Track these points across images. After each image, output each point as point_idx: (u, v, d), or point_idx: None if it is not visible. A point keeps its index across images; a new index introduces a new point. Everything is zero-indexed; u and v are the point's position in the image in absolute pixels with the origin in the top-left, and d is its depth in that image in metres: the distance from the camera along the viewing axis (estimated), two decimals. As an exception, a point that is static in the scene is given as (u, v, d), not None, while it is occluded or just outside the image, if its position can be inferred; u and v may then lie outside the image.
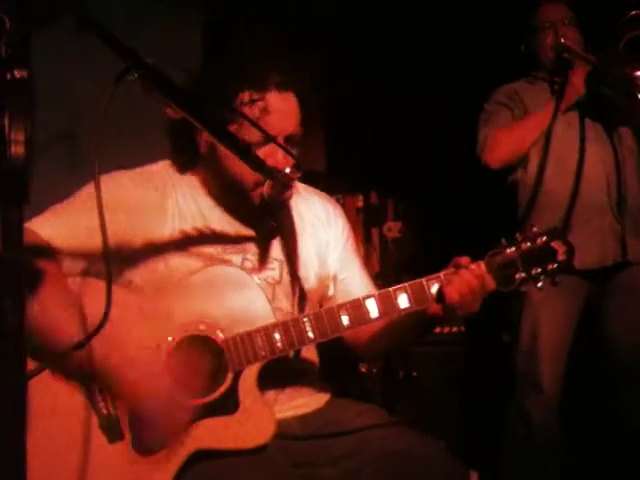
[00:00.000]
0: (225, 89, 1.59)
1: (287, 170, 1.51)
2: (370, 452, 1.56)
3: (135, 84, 1.17)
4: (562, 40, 2.62)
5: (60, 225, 1.53)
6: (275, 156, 1.57)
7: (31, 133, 0.82)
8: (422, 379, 2.90)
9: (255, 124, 1.49)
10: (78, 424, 1.43)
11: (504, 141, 2.64)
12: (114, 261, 1.58)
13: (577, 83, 2.58)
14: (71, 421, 1.43)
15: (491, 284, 1.56)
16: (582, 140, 2.58)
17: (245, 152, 1.43)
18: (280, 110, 1.60)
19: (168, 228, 1.62)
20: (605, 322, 2.63)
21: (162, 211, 1.63)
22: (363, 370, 2.84)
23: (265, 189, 1.56)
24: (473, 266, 1.57)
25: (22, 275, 0.85)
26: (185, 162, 1.70)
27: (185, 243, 1.63)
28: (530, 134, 2.62)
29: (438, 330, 3.00)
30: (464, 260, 1.58)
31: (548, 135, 2.58)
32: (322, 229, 1.82)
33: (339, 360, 1.94)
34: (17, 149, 0.81)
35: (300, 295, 1.70)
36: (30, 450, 1.32)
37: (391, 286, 1.58)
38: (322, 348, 1.81)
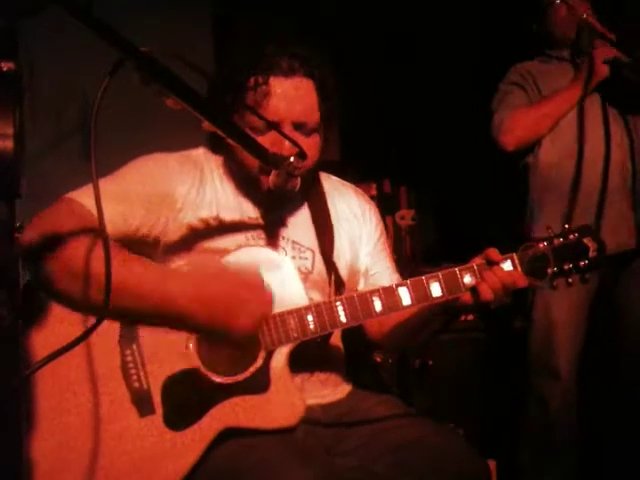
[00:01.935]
0: (234, 75, 1.59)
1: (291, 159, 1.50)
2: (388, 441, 1.57)
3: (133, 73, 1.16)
4: (584, 16, 2.54)
5: (108, 205, 1.50)
6: (280, 143, 1.55)
7: (20, 127, 0.81)
8: (438, 368, 2.87)
9: (253, 110, 1.48)
10: (110, 396, 1.44)
11: (521, 123, 2.60)
12: (152, 250, 1.59)
13: (600, 66, 2.51)
14: (103, 393, 1.44)
15: (523, 282, 1.58)
16: (606, 124, 2.53)
17: (247, 140, 1.42)
18: (284, 95, 1.58)
19: (205, 214, 1.63)
20: (621, 307, 2.60)
21: (200, 197, 1.64)
22: (378, 360, 2.82)
23: (271, 178, 1.56)
24: (507, 265, 1.59)
25: (16, 270, 0.84)
26: (219, 148, 1.72)
27: (219, 229, 1.63)
28: (549, 117, 2.58)
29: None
30: (495, 255, 1.58)
31: (581, 118, 2.53)
32: (357, 224, 1.83)
33: (354, 350, 1.93)
34: (5, 143, 0.80)
35: (337, 285, 1.71)
36: (60, 421, 1.38)
37: (405, 274, 1.62)
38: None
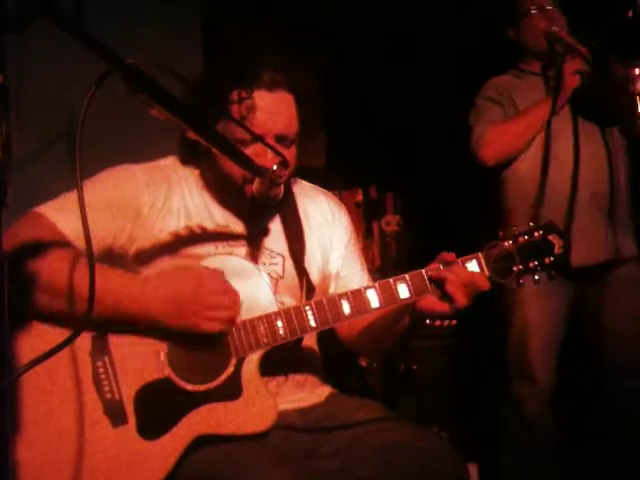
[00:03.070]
0: (218, 89, 1.61)
1: (274, 167, 1.53)
2: (370, 444, 1.58)
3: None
4: (554, 29, 2.57)
5: (73, 217, 1.51)
6: (264, 155, 1.59)
7: (8, 137, 0.83)
8: (423, 372, 2.90)
9: (240, 123, 1.51)
10: (82, 407, 1.45)
11: (500, 138, 2.61)
12: (121, 260, 1.62)
13: (571, 77, 2.52)
14: (75, 404, 1.45)
15: (485, 285, 1.58)
16: (576, 135, 2.54)
17: (232, 150, 1.44)
18: (268, 109, 1.61)
19: (173, 224, 1.65)
20: (600, 316, 2.61)
21: (168, 207, 1.66)
22: (363, 364, 2.84)
23: (254, 186, 1.59)
24: (472, 265, 1.60)
25: (3, 277, 0.86)
26: (190, 157, 1.73)
27: (190, 239, 1.65)
28: (527, 131, 2.59)
29: (438, 323, 3.00)
30: (449, 256, 1.59)
31: (548, 131, 2.55)
32: (327, 228, 1.86)
33: (339, 355, 1.95)
34: (-6, 153, 0.82)
35: (308, 289, 1.73)
36: (32, 434, 1.39)
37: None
38: (322, 343, 1.83)
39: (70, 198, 1.56)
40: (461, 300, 1.55)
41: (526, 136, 2.60)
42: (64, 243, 1.50)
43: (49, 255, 1.44)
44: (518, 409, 2.61)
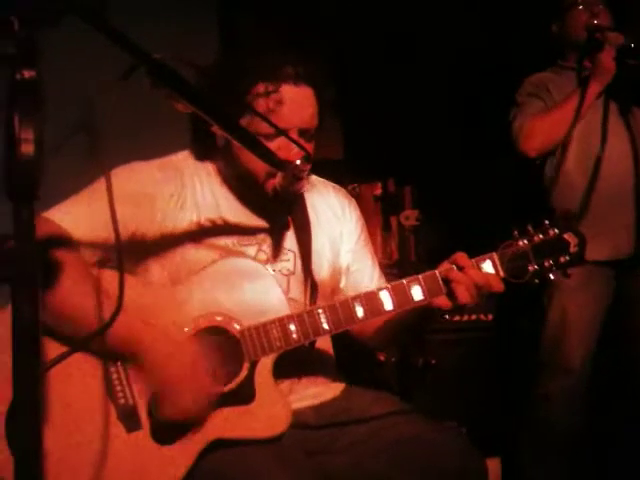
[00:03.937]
0: (240, 82, 1.61)
1: (297, 162, 1.53)
2: (384, 439, 1.58)
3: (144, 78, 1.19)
4: (595, 21, 2.56)
5: (79, 215, 1.55)
6: (288, 149, 1.59)
7: (40, 132, 0.85)
8: (441, 366, 2.89)
9: (264, 117, 1.51)
10: (96, 414, 1.45)
11: (540, 129, 2.58)
12: (133, 253, 1.62)
13: (606, 62, 2.49)
14: (89, 411, 1.46)
15: (499, 286, 1.56)
16: (604, 123, 2.53)
17: (256, 144, 1.45)
18: (294, 102, 1.61)
19: (186, 219, 1.65)
20: (629, 309, 2.62)
21: (181, 202, 1.66)
22: (381, 359, 2.84)
23: (277, 180, 1.59)
24: (487, 265, 1.58)
25: (35, 268, 0.88)
26: (204, 152, 1.73)
27: (201, 234, 1.65)
28: (566, 120, 2.54)
29: (457, 318, 3.00)
30: (463, 260, 1.57)
31: (605, 127, 2.53)
32: (336, 222, 1.85)
33: (356, 349, 1.96)
34: (27, 148, 0.83)
35: (312, 286, 1.72)
36: (48, 442, 1.35)
37: (409, 274, 1.59)
38: (339, 338, 1.83)
39: (77, 200, 1.59)
40: (464, 298, 1.54)
41: (565, 125, 2.53)
42: (74, 254, 1.50)
43: (62, 277, 1.43)
44: (544, 405, 2.61)
